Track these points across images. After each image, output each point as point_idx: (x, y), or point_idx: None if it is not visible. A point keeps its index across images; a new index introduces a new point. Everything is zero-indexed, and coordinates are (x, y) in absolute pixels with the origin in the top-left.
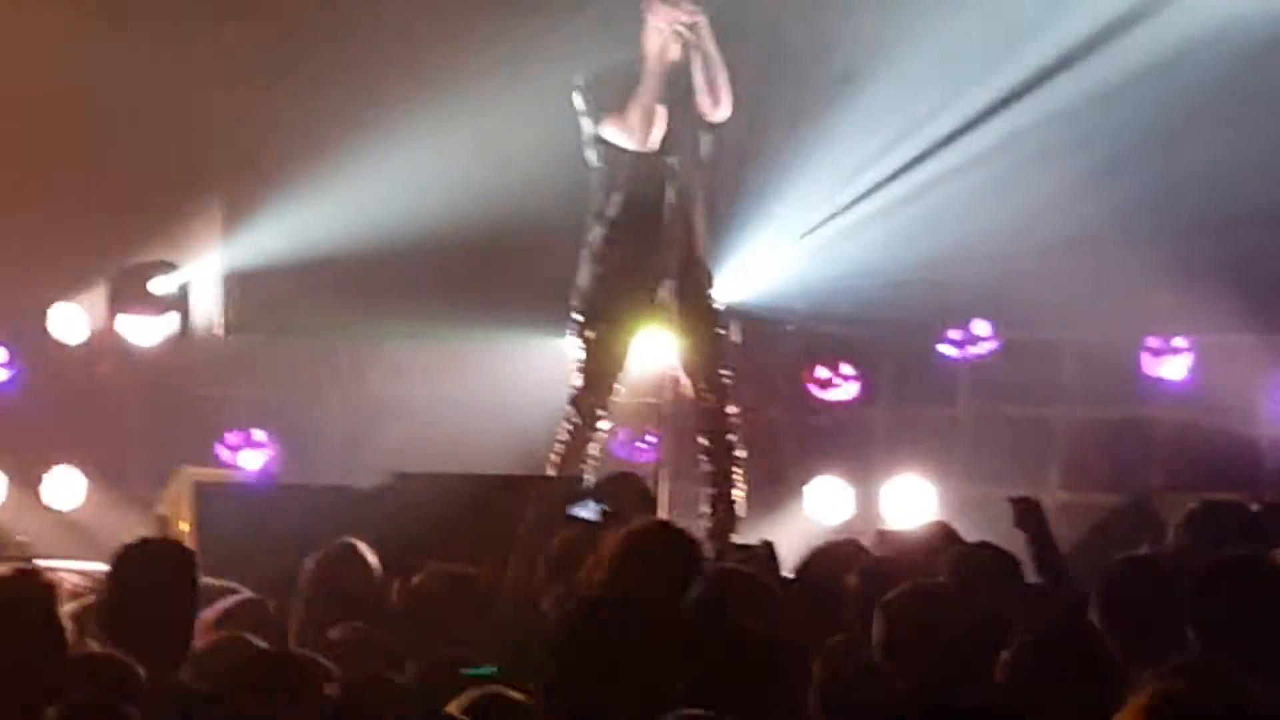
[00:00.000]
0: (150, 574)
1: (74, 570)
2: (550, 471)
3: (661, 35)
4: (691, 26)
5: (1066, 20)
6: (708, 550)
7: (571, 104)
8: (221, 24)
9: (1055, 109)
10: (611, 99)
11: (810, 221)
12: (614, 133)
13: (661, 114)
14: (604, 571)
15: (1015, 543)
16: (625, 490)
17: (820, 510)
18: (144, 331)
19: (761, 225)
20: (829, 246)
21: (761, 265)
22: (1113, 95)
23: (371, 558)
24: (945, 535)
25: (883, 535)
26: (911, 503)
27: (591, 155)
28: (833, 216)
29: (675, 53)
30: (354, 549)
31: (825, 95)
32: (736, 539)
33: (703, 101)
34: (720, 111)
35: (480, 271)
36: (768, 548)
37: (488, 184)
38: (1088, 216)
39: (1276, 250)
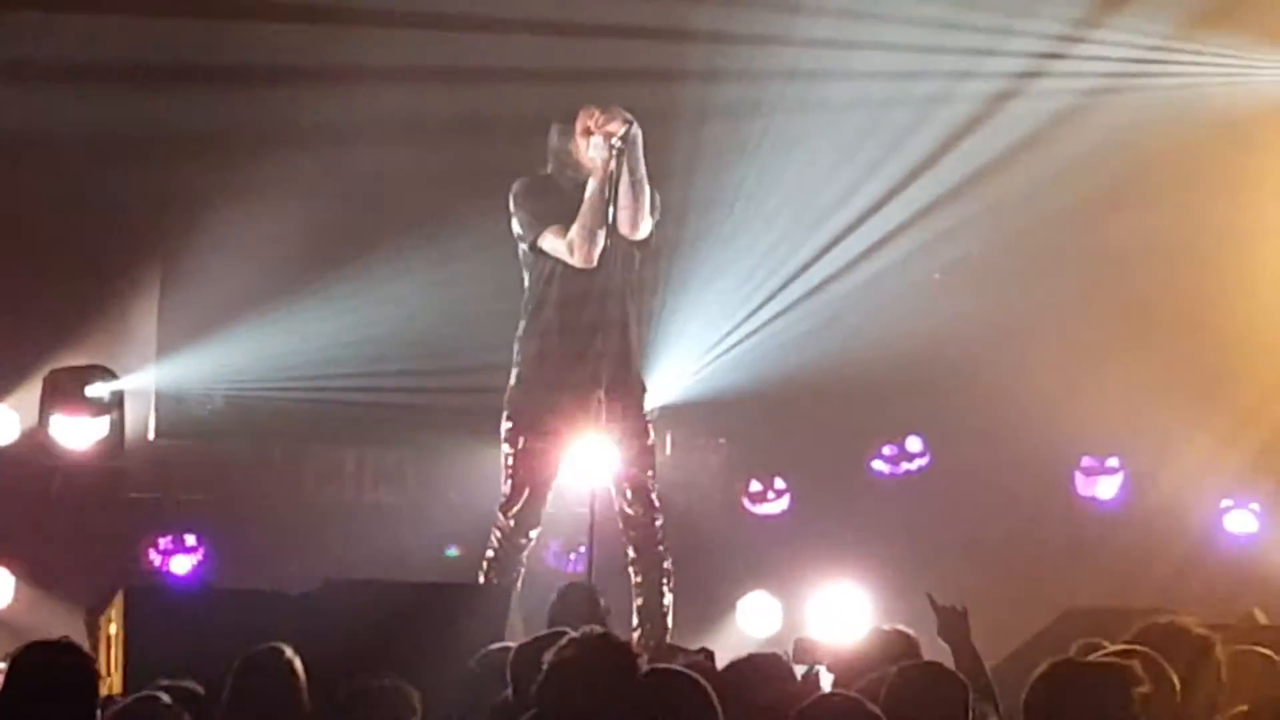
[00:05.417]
0: (45, 678)
1: None
2: (480, 580)
3: (601, 150)
4: (624, 137)
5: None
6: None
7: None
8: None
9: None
10: (546, 210)
11: (743, 327)
12: (554, 245)
13: (603, 232)
14: (540, 684)
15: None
16: (578, 600)
17: (752, 623)
18: (77, 434)
19: (692, 330)
20: (762, 354)
21: (692, 371)
22: None
23: (297, 663)
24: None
25: (799, 644)
26: (838, 615)
27: (523, 263)
28: (764, 322)
29: (614, 168)
30: (280, 654)
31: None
32: (675, 645)
33: (622, 221)
34: (639, 231)
35: (415, 380)
36: (707, 655)
37: (426, 298)
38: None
39: None
